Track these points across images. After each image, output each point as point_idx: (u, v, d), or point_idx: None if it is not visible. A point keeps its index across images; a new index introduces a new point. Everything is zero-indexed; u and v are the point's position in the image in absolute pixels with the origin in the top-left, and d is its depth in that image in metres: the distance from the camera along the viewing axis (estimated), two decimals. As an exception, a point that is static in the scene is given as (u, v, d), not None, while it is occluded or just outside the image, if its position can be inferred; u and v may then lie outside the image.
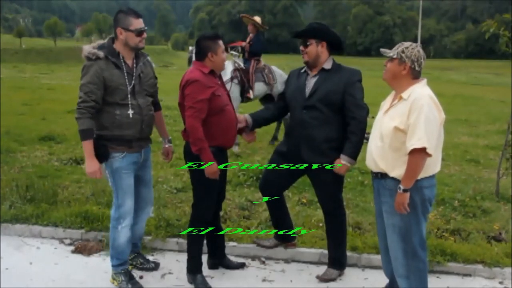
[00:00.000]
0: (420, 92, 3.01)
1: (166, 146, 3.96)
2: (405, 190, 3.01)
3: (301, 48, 3.74)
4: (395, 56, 3.11)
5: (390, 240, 3.25)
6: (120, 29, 3.44)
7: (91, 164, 3.44)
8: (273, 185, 4.04)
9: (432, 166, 3.08)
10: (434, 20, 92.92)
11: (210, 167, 3.48)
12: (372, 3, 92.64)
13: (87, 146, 3.41)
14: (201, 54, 3.57)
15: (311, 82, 3.75)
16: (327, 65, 3.72)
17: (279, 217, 4.22)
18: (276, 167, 3.95)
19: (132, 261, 4.00)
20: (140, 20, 3.48)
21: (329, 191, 3.85)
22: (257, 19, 8.27)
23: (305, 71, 3.84)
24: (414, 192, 3.04)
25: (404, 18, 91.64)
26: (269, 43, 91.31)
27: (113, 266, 3.71)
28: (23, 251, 4.34)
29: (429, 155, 2.94)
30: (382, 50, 3.21)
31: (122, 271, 3.69)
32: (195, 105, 3.45)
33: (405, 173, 3.00)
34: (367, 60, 40.04)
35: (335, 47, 3.80)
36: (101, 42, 3.56)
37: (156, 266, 4.05)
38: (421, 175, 3.03)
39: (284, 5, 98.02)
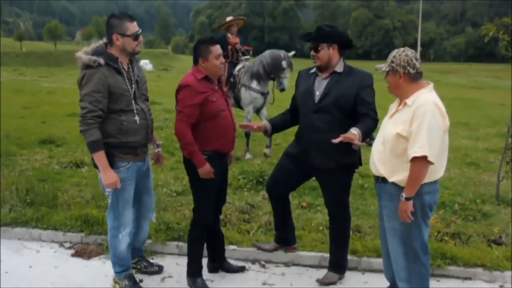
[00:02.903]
0: (425, 99, 2.98)
1: (156, 150, 3.94)
2: (407, 198, 3.00)
3: (312, 53, 3.68)
4: (387, 69, 3.09)
5: (391, 244, 3.25)
6: (116, 35, 3.35)
7: (108, 176, 3.33)
8: (280, 185, 4.04)
9: (434, 172, 3.07)
10: (434, 23, 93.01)
11: (203, 168, 3.51)
12: (372, 6, 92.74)
13: (100, 157, 3.30)
14: (195, 59, 3.57)
15: (321, 85, 3.71)
16: (339, 68, 3.68)
17: (282, 218, 4.22)
18: (285, 168, 3.97)
19: (136, 264, 4.00)
20: (135, 23, 3.40)
21: (335, 195, 3.85)
22: (230, 18, 8.32)
23: (314, 72, 3.81)
24: (414, 197, 3.03)
25: (404, 21, 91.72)
26: (269, 46, 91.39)
27: (116, 272, 3.70)
28: (23, 255, 4.33)
29: (431, 163, 2.92)
30: (377, 67, 3.18)
31: (126, 276, 3.69)
32: (184, 110, 3.47)
33: (407, 181, 2.99)
34: (367, 63, 39.94)
35: (345, 47, 3.77)
36: (93, 46, 3.43)
37: (160, 270, 4.05)
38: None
39: (284, 8, 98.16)
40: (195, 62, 3.57)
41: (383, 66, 3.13)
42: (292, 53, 7.79)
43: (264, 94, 7.64)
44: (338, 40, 3.67)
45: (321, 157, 3.70)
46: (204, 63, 3.52)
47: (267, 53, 7.62)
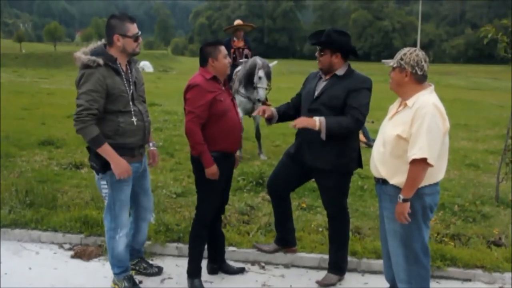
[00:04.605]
0: (425, 100, 2.97)
1: (151, 149, 3.93)
2: (405, 200, 3.00)
3: (317, 54, 3.76)
4: (395, 65, 3.08)
5: (391, 246, 3.25)
6: (117, 36, 3.37)
7: (120, 164, 3.33)
8: (280, 185, 4.05)
9: (435, 174, 3.06)
10: (433, 24, 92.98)
11: (211, 168, 3.55)
12: (371, 8, 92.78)
13: (107, 149, 3.29)
14: (203, 60, 3.63)
15: (321, 86, 3.77)
16: (340, 72, 3.73)
17: (282, 219, 4.22)
18: (285, 167, 3.99)
19: (135, 266, 4.00)
20: (135, 25, 3.43)
21: (333, 196, 3.87)
22: (239, 21, 8.30)
23: (319, 74, 3.87)
24: (415, 199, 3.03)
25: (403, 22, 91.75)
26: (269, 48, 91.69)
27: (115, 274, 3.70)
28: (22, 256, 4.33)
29: (430, 165, 2.91)
30: (384, 61, 3.20)
31: (126, 277, 3.69)
32: (195, 110, 3.51)
33: (405, 182, 2.99)
34: (366, 64, 39.97)
35: (351, 54, 3.81)
36: (91, 46, 3.44)
37: (159, 271, 4.05)
38: (423, 183, 3.01)
39: (284, 10, 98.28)
40: (203, 63, 3.63)
41: (391, 61, 3.12)
42: (274, 62, 7.66)
43: (251, 100, 7.43)
44: (341, 49, 3.71)
45: (313, 155, 3.74)
46: (214, 62, 3.59)
47: (250, 60, 7.45)
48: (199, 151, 3.54)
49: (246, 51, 8.07)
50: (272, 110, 3.96)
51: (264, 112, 3.86)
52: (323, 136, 3.54)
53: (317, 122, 3.52)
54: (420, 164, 2.91)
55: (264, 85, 7.17)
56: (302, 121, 3.57)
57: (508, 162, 5.65)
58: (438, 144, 2.93)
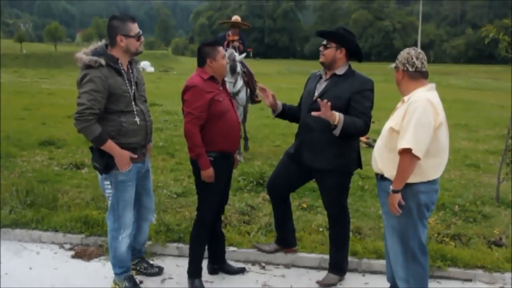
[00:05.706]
0: (419, 95, 3.03)
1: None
2: (394, 191, 3.03)
3: (321, 48, 3.76)
4: (394, 66, 3.21)
5: (389, 242, 3.28)
6: (120, 37, 3.37)
7: (124, 155, 3.36)
8: (280, 185, 4.05)
9: (431, 172, 3.08)
10: (433, 25, 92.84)
11: (208, 171, 3.54)
12: (372, 8, 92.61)
13: (110, 145, 3.32)
14: (201, 61, 3.60)
15: (321, 86, 3.77)
16: (340, 71, 3.72)
17: (282, 219, 4.22)
18: (285, 168, 3.98)
19: (136, 266, 4.00)
20: (136, 24, 3.44)
21: (334, 196, 3.87)
22: (237, 18, 8.28)
23: (319, 74, 3.86)
24: (410, 197, 3.06)
25: (404, 23, 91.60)
26: (269, 48, 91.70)
27: (116, 274, 3.70)
28: (23, 256, 4.33)
29: (417, 158, 2.94)
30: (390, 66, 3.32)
31: (126, 277, 3.69)
32: (193, 111, 3.49)
33: (395, 174, 3.03)
34: (366, 65, 39.87)
35: (355, 55, 3.80)
36: (92, 47, 3.44)
37: (160, 271, 4.05)
38: (417, 180, 3.04)
39: (284, 10, 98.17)
40: (201, 64, 3.61)
41: (393, 64, 3.24)
42: (243, 55, 7.57)
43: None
44: (347, 45, 3.71)
45: (313, 155, 3.74)
46: (212, 63, 3.57)
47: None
48: (196, 153, 3.53)
49: (240, 47, 7.98)
50: (278, 101, 3.88)
51: (265, 90, 3.78)
52: (337, 132, 3.50)
53: (337, 117, 3.45)
54: (407, 155, 2.94)
55: (230, 79, 7.05)
56: (325, 110, 3.38)
57: (508, 162, 5.65)
58: (427, 137, 2.96)
